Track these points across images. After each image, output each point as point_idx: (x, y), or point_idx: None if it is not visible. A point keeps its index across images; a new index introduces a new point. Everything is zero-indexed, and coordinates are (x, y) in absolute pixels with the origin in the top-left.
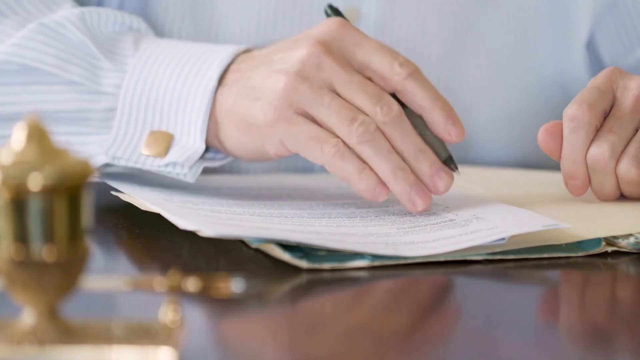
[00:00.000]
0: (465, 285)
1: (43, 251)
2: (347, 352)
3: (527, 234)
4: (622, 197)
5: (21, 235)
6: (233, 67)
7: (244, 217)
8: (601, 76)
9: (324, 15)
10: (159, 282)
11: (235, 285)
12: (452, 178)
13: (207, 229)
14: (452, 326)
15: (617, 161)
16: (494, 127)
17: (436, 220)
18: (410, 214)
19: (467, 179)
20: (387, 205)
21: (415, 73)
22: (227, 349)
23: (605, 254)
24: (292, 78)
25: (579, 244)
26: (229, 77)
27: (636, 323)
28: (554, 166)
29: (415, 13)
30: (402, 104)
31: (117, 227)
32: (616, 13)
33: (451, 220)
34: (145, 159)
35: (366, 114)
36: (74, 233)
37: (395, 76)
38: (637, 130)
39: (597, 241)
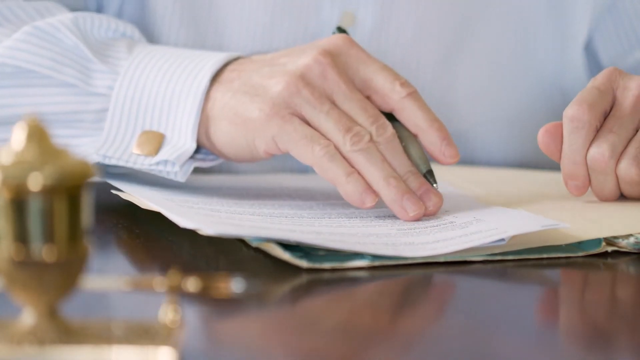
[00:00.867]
0: (465, 285)
1: (43, 251)
2: (347, 352)
3: (526, 234)
4: (622, 197)
5: (21, 235)
6: (232, 67)
7: (244, 217)
8: (601, 76)
9: (320, 23)
10: (159, 282)
11: (235, 285)
12: (441, 199)
13: (207, 228)
14: (452, 326)
15: (617, 161)
16: (492, 128)
17: (436, 223)
18: None
19: (466, 179)
20: (386, 206)
21: (414, 94)
22: (227, 349)
23: (605, 254)
24: (294, 80)
25: (579, 244)
26: (227, 75)
27: (636, 323)
28: (553, 167)
29: (412, 17)
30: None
31: (117, 227)
32: (615, 14)
33: (451, 222)
34: (136, 158)
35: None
36: (74, 233)
37: (395, 95)
38: (637, 131)
39: (597, 241)
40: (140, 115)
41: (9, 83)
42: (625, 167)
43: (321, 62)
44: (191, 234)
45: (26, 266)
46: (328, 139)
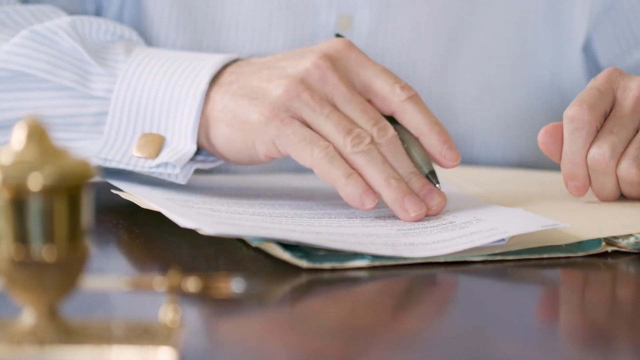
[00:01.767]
0: (465, 285)
1: (43, 251)
2: (347, 352)
3: (527, 234)
4: (622, 197)
5: (21, 235)
6: (230, 69)
7: (244, 217)
8: (601, 77)
9: (317, 26)
10: (159, 282)
11: (235, 285)
12: (444, 199)
13: (207, 228)
14: (452, 326)
15: (618, 162)
16: (491, 130)
17: (436, 223)
18: None
19: (467, 179)
20: (387, 207)
21: (415, 97)
22: (227, 349)
23: (605, 254)
24: (294, 84)
25: (579, 244)
26: (226, 77)
27: (636, 323)
28: (553, 168)
29: (409, 19)
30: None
31: (117, 227)
32: (613, 16)
33: (451, 222)
34: (136, 160)
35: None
36: (74, 233)
37: (396, 98)
38: (637, 131)
39: (597, 241)
40: (140, 117)
41: (7, 87)
42: (626, 168)
43: (321, 66)
44: (191, 233)
45: (26, 266)
46: (328, 141)
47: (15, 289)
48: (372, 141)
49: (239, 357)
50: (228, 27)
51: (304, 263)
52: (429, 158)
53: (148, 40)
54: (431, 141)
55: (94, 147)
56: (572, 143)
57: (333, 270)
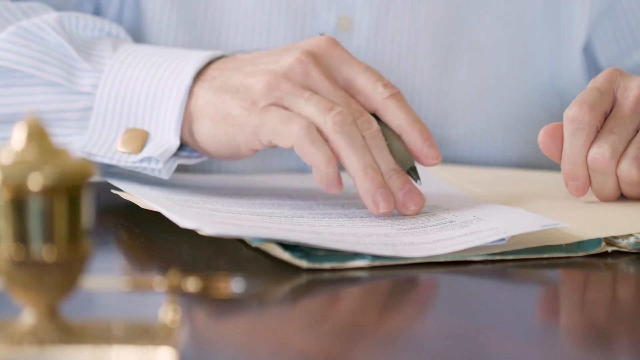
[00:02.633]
0: (465, 285)
1: (43, 251)
2: (347, 352)
3: (527, 234)
4: (622, 197)
5: (21, 235)
6: (215, 65)
7: (244, 217)
8: (601, 77)
9: (316, 27)
10: (159, 282)
11: (235, 285)
12: (423, 200)
13: (207, 228)
14: (452, 326)
15: (618, 162)
16: (491, 132)
17: (436, 222)
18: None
19: (466, 179)
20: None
21: (397, 95)
22: (227, 349)
23: (605, 254)
24: (275, 78)
25: (579, 244)
26: (211, 73)
27: (636, 323)
28: (552, 168)
29: (408, 21)
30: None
31: (117, 227)
32: (613, 17)
33: (451, 221)
34: (120, 155)
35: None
36: (74, 233)
37: (378, 95)
38: (637, 131)
39: (597, 241)
40: (125, 112)
41: None
42: (626, 168)
43: (304, 62)
44: (191, 234)
45: (26, 266)
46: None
47: (15, 289)
48: (354, 121)
49: (239, 357)
50: (227, 28)
51: (304, 263)
52: (409, 154)
53: (147, 40)
54: (412, 139)
55: (79, 143)
56: (572, 143)
57: (333, 270)
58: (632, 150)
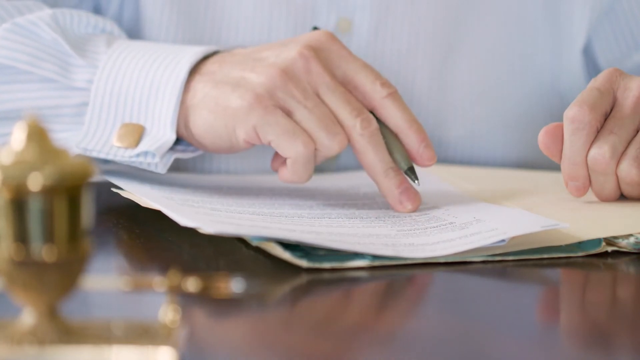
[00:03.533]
0: (465, 285)
1: (43, 251)
2: (347, 352)
3: (527, 235)
4: (623, 197)
5: (21, 235)
6: (213, 59)
7: (244, 216)
8: (601, 77)
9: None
10: (159, 282)
11: (235, 285)
12: (419, 199)
13: (208, 227)
14: (452, 326)
15: (618, 162)
16: (491, 132)
17: (436, 223)
18: (410, 216)
19: (466, 179)
20: (387, 207)
21: (395, 94)
22: (227, 349)
23: (605, 254)
24: (278, 73)
25: (579, 244)
26: (209, 67)
27: (636, 323)
28: (552, 168)
29: (408, 23)
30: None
31: (117, 227)
32: (613, 18)
33: (451, 223)
34: (116, 150)
35: (345, 125)
36: (74, 233)
37: (376, 94)
38: (637, 131)
39: (597, 241)
40: (120, 107)
41: None
42: (626, 168)
43: (305, 56)
44: (191, 234)
45: (26, 266)
46: (310, 136)
47: (15, 289)
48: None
49: (239, 357)
50: (228, 28)
51: (304, 263)
52: (407, 155)
53: (147, 40)
54: (409, 139)
55: (75, 138)
56: (573, 143)
57: (333, 270)
58: (632, 151)
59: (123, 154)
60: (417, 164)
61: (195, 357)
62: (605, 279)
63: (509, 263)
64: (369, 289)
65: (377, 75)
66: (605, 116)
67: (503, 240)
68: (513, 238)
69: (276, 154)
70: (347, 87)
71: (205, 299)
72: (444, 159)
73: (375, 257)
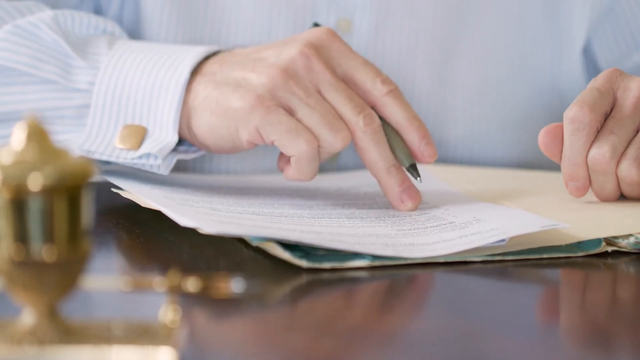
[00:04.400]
0: (465, 285)
1: (43, 251)
2: (347, 352)
3: (527, 235)
4: (623, 197)
5: (21, 235)
6: (214, 59)
7: (244, 216)
8: (601, 77)
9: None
10: (159, 282)
11: (235, 285)
12: (420, 198)
13: (208, 227)
14: (452, 326)
15: (618, 162)
16: (491, 131)
17: (436, 223)
18: (410, 215)
19: (466, 179)
20: (387, 207)
21: (395, 91)
22: (227, 349)
23: (605, 254)
24: (279, 72)
25: (579, 244)
26: (209, 68)
27: (636, 323)
28: (552, 168)
29: (408, 23)
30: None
31: (117, 227)
32: (613, 18)
33: (451, 222)
34: (119, 152)
35: (347, 122)
36: (74, 233)
37: (377, 91)
38: (637, 132)
39: (597, 241)
40: (122, 109)
41: None
42: (626, 168)
43: (306, 54)
44: (191, 234)
45: (26, 266)
46: (313, 134)
47: (15, 289)
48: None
49: (239, 357)
50: (228, 29)
51: (304, 263)
52: (409, 152)
53: (147, 40)
54: (410, 136)
55: (76, 140)
56: (573, 143)
57: (333, 270)
58: (632, 151)
59: (125, 156)
60: (419, 161)
61: (195, 357)
62: (605, 279)
63: (509, 263)
64: (369, 289)
65: (377, 72)
66: (605, 116)
67: (503, 240)
68: (513, 238)
69: (281, 153)
70: (348, 85)
71: (205, 299)
72: (444, 159)
73: (375, 257)
